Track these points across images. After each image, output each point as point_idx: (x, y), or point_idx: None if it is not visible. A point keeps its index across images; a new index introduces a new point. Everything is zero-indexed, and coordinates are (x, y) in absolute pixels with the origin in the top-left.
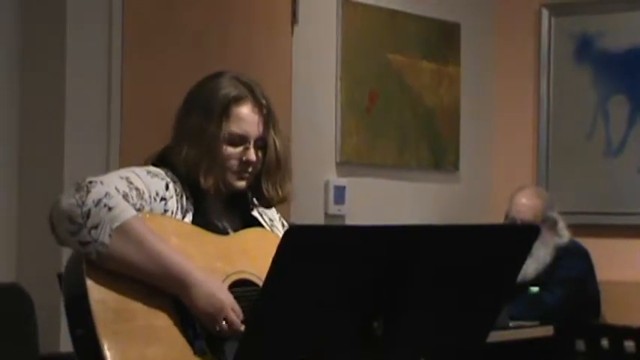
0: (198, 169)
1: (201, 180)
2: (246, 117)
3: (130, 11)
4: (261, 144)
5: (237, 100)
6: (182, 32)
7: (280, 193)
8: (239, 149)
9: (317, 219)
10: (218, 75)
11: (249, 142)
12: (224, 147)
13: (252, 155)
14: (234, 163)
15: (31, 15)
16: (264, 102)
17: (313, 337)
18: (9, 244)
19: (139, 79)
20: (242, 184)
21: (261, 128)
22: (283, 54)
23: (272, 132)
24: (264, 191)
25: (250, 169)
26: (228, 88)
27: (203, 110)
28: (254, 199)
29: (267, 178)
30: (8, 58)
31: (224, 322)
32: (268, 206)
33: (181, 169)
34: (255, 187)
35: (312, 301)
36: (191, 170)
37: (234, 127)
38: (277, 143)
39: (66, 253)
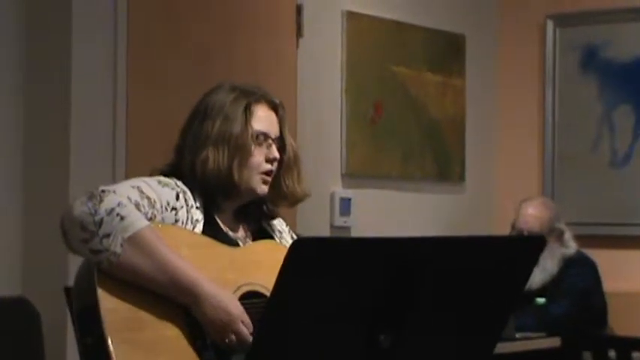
0: (231, 167)
1: (235, 177)
2: (265, 116)
3: (134, 25)
4: (279, 143)
5: (257, 101)
6: (187, 46)
7: (300, 188)
8: (263, 148)
9: (323, 231)
10: (220, 86)
11: (271, 140)
12: (252, 145)
13: (276, 152)
14: (260, 160)
15: (36, 28)
16: (277, 101)
17: (320, 348)
18: (15, 258)
19: (144, 92)
20: (264, 188)
21: (278, 127)
22: (288, 66)
23: (286, 130)
24: (285, 188)
25: (273, 170)
26: (241, 93)
27: (222, 116)
28: (264, 209)
29: (288, 174)
30: (13, 71)
31: (233, 335)
32: (292, 204)
33: (201, 177)
34: (273, 188)
35: (319, 312)
36: (220, 173)
37: (258, 126)
38: (291, 140)
39: (72, 267)
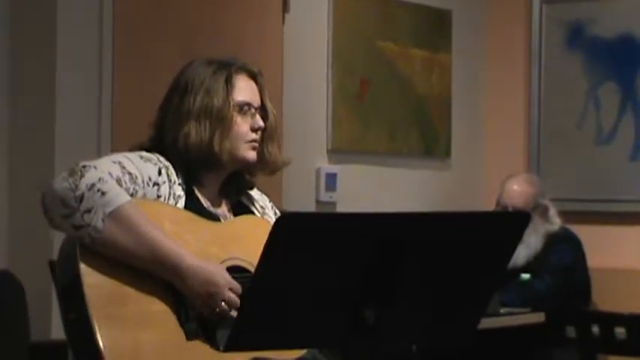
0: (212, 139)
1: (216, 148)
2: (246, 86)
3: (120, 4)
4: (262, 112)
5: (237, 71)
6: (173, 21)
7: (281, 156)
8: (247, 118)
9: (308, 206)
10: (196, 61)
11: (254, 109)
12: (234, 116)
13: (260, 121)
14: (245, 129)
15: (21, 10)
16: (256, 70)
17: (305, 324)
18: (0, 231)
19: (130, 69)
20: (253, 155)
21: (259, 96)
22: (274, 42)
23: (267, 98)
24: (268, 155)
25: (259, 137)
26: (219, 66)
27: (204, 90)
28: (246, 183)
29: (270, 142)
30: None
31: (223, 304)
32: (273, 172)
33: (184, 151)
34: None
35: (304, 288)
36: (202, 145)
37: (240, 96)
38: (272, 108)
39: (57, 240)
